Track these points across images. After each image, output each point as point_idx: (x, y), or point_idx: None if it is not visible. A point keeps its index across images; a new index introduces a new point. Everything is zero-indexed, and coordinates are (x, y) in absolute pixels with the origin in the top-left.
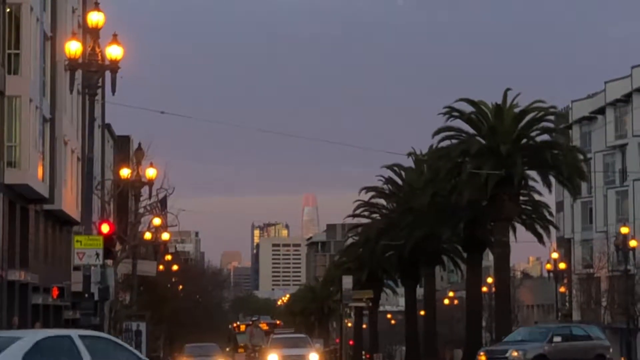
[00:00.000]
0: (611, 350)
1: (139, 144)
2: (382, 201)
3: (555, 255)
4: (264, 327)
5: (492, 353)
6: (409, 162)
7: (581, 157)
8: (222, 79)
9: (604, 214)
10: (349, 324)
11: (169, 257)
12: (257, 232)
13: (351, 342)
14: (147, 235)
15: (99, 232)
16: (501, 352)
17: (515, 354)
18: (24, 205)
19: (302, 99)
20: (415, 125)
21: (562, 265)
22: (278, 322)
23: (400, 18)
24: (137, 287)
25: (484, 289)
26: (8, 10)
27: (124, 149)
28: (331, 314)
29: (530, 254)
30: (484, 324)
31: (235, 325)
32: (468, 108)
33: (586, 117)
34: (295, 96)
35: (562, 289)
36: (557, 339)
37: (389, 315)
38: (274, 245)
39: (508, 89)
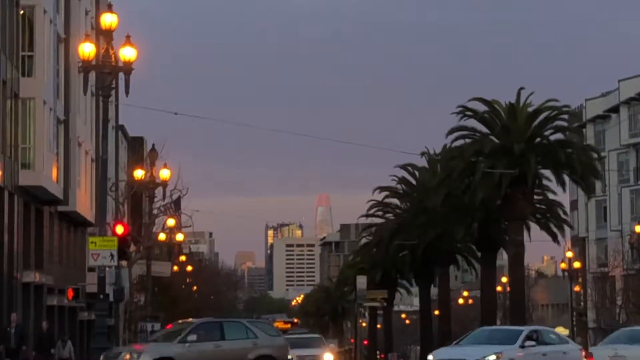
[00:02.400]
0: (289, 348)
1: (153, 145)
2: (396, 201)
3: (569, 254)
4: (283, 325)
5: (107, 357)
6: (423, 162)
7: (595, 155)
8: (236, 78)
9: (619, 212)
10: (364, 324)
11: (183, 258)
12: (271, 233)
13: (365, 342)
14: (162, 236)
15: (114, 233)
16: (115, 355)
17: (127, 357)
18: (39, 207)
19: (316, 98)
20: (429, 125)
21: (576, 264)
22: (295, 319)
23: (415, 17)
24: (151, 288)
25: (499, 288)
26: (22, 12)
27: (138, 150)
28: (345, 314)
29: (544, 253)
30: (498, 323)
31: None
32: (481, 107)
33: (600, 115)
34: (308, 96)
35: (576, 288)
36: (192, 337)
37: (403, 315)
38: (287, 245)
39: (521, 88)
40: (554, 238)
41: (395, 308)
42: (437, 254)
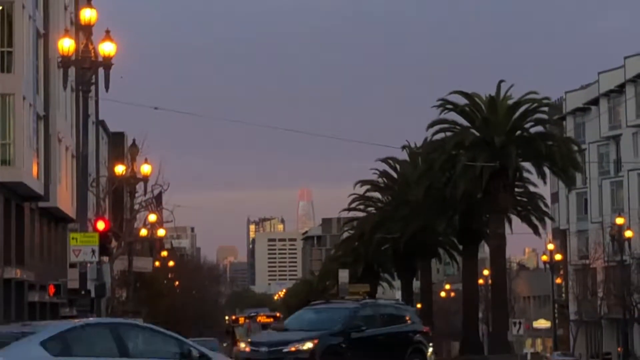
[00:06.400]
0: None
1: (134, 140)
2: (378, 194)
3: (551, 246)
4: (265, 319)
5: None
6: (404, 155)
7: (575, 148)
8: (217, 74)
9: (599, 204)
10: None
11: (164, 253)
12: (252, 227)
13: None
14: (143, 232)
15: (95, 229)
16: None
17: None
18: (19, 203)
19: (297, 93)
20: (410, 119)
21: (558, 257)
22: (278, 314)
23: (394, 11)
24: (133, 284)
25: (480, 281)
26: (0, 8)
27: (119, 145)
28: None
29: (525, 245)
30: (480, 315)
31: (234, 317)
32: (462, 100)
33: (580, 108)
34: (289, 90)
35: (558, 280)
36: None
37: None
38: (269, 240)
39: (501, 81)
40: (535, 230)
41: None
42: (419, 247)
